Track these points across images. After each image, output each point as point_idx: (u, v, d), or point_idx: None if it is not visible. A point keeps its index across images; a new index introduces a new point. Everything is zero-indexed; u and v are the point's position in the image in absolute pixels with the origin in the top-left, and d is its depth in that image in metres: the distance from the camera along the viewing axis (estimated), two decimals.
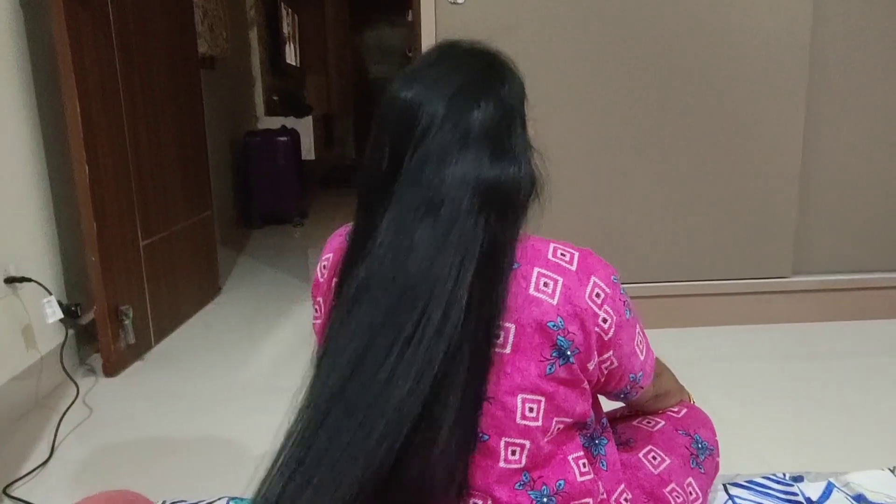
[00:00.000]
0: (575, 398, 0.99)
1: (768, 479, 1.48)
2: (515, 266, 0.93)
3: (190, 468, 1.72)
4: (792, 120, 2.48)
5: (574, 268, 0.97)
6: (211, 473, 1.68)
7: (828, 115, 2.53)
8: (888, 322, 2.61)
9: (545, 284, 0.95)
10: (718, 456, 1.30)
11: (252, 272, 3.66)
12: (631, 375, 1.05)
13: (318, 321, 1.06)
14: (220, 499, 1.49)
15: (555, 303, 0.94)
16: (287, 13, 5.98)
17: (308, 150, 5.19)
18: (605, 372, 1.01)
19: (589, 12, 2.39)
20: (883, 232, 2.63)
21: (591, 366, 0.98)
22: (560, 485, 1.01)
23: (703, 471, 1.25)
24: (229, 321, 2.87)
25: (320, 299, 1.07)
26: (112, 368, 2.29)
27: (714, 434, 1.31)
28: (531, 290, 0.94)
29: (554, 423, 0.98)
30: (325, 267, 1.07)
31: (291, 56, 6.20)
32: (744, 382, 2.12)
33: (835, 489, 1.44)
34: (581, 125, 2.42)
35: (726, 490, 1.45)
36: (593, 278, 0.97)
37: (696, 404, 1.41)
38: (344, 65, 7.93)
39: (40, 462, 1.74)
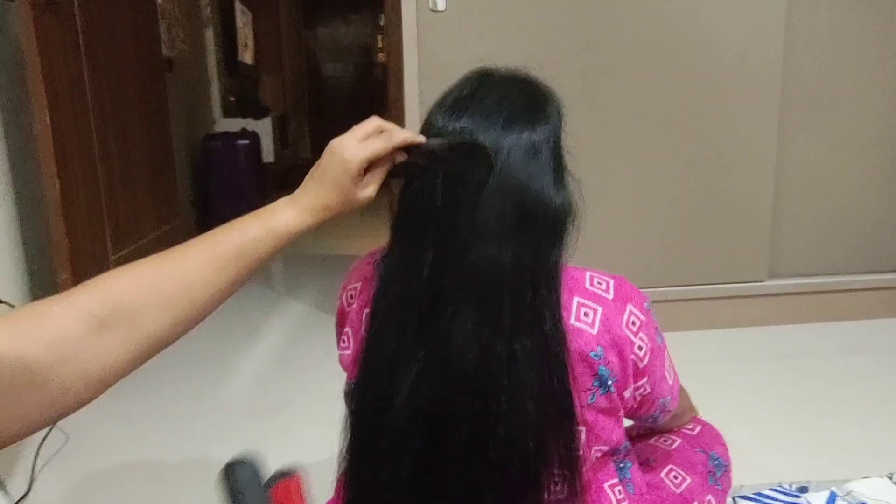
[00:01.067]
0: (612, 426, 0.98)
1: (774, 490, 1.50)
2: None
3: (175, 494, 1.66)
4: (765, 126, 2.53)
5: (611, 296, 0.96)
6: (197, 499, 1.63)
7: (801, 121, 2.59)
8: (862, 323, 2.69)
9: (585, 314, 0.94)
10: (731, 472, 1.32)
11: None
12: (661, 400, 1.05)
13: (347, 352, 1.03)
14: None
15: (595, 332, 0.93)
16: (243, 11, 5.85)
17: (268, 153, 5.09)
18: (639, 398, 1.01)
19: (570, 20, 2.39)
20: (856, 235, 2.71)
21: (627, 393, 0.98)
22: None
23: (720, 487, 1.26)
24: (201, 335, 2.79)
25: (349, 329, 1.03)
26: None
27: (727, 450, 1.33)
28: (572, 321, 0.93)
29: (593, 452, 0.98)
30: (352, 296, 1.04)
31: (246, 55, 6.07)
32: (723, 387, 2.16)
33: (838, 498, 1.47)
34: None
35: (735, 503, 1.47)
36: (629, 306, 0.96)
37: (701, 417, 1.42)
38: (298, 63, 7.80)
39: (19, 496, 1.66)
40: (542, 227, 0.87)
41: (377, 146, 0.85)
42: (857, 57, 2.57)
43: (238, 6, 5.74)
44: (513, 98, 0.89)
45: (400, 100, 2.45)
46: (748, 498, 1.48)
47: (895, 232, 2.74)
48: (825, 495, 1.48)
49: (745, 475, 1.57)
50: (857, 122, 2.62)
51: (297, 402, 2.12)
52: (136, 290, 0.78)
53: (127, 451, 1.87)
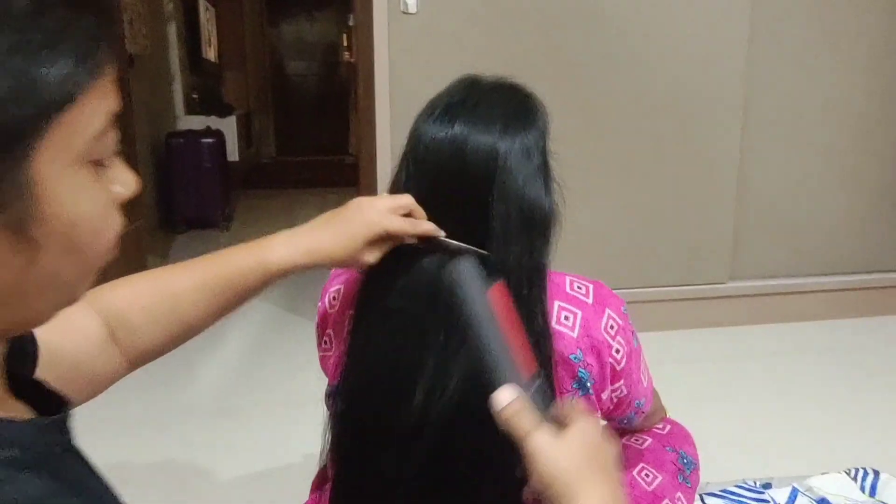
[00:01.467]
0: None
1: (740, 486, 1.55)
2: None
3: (141, 495, 1.64)
4: (729, 132, 2.60)
5: (591, 301, 0.98)
6: (163, 500, 1.61)
7: (763, 128, 2.66)
8: (821, 324, 2.77)
9: (566, 318, 0.96)
10: (699, 469, 1.36)
11: None
12: (636, 402, 1.08)
13: (329, 354, 1.03)
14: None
15: (575, 335, 0.95)
16: (206, 7, 5.77)
17: (233, 151, 5.03)
18: (616, 400, 1.04)
19: (539, 26, 2.42)
20: (815, 238, 2.80)
21: (604, 395, 1.00)
22: None
23: (689, 485, 1.30)
24: None
25: (330, 332, 1.04)
26: None
27: (696, 448, 1.36)
28: (553, 324, 0.95)
29: None
30: (335, 298, 1.04)
31: (210, 52, 5.99)
32: (687, 387, 2.21)
33: (799, 493, 1.52)
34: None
35: (702, 500, 1.51)
36: (608, 310, 0.99)
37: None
38: (262, 61, 7.72)
39: None
40: (537, 229, 0.89)
41: (404, 226, 0.87)
42: (819, 65, 2.64)
43: (201, 2, 5.66)
44: (504, 104, 0.91)
45: (370, 101, 2.45)
46: (715, 495, 1.53)
47: (852, 235, 2.83)
48: (787, 491, 1.53)
49: (710, 473, 1.62)
50: (818, 129, 2.71)
51: (263, 403, 2.11)
52: (136, 306, 0.82)
53: (92, 454, 1.84)
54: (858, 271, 2.85)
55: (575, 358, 0.95)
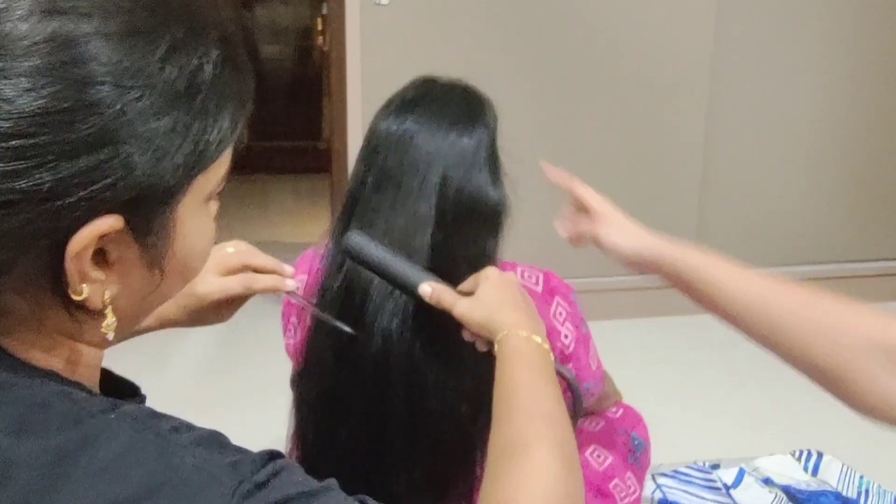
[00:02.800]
0: None
1: (690, 468, 1.63)
2: None
3: None
4: (693, 124, 2.66)
5: (540, 289, 1.04)
6: None
7: (728, 120, 2.72)
8: None
9: None
10: (650, 451, 1.42)
11: None
12: (585, 385, 1.13)
13: (293, 341, 1.08)
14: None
15: None
16: None
17: None
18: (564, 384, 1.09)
19: (509, 18, 2.46)
20: (778, 229, 2.87)
21: None
22: None
23: (639, 465, 1.37)
24: None
25: (294, 320, 1.08)
26: None
27: (647, 431, 1.43)
28: None
29: None
30: (299, 288, 1.09)
31: None
32: (646, 374, 2.28)
33: (746, 474, 1.60)
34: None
35: (654, 480, 1.59)
36: (557, 298, 1.05)
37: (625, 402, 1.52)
38: None
39: None
40: (480, 220, 0.95)
41: (236, 290, 0.83)
42: (784, 58, 2.71)
43: None
44: (453, 104, 0.97)
45: (342, 90, 2.48)
46: (666, 475, 1.60)
47: (815, 226, 2.90)
48: (735, 471, 1.61)
49: (664, 455, 1.69)
50: (783, 120, 2.77)
51: (238, 392, 2.14)
52: None
53: None
54: (821, 261, 2.93)
55: None
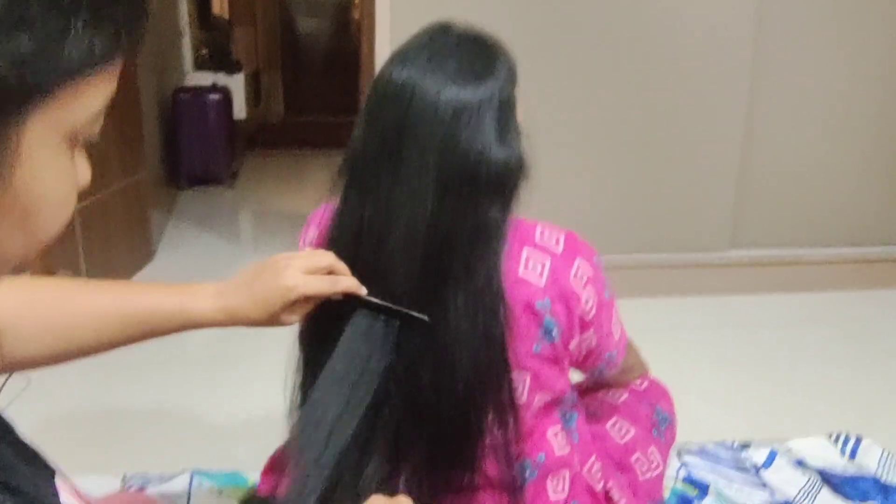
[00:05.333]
0: (556, 375, 1.01)
1: (719, 446, 1.56)
2: (506, 247, 0.94)
3: (144, 440, 1.68)
4: (735, 97, 2.56)
5: (560, 250, 0.99)
6: (167, 445, 1.64)
7: (771, 94, 2.61)
8: (819, 295, 2.75)
9: (533, 266, 0.96)
10: (676, 426, 1.36)
11: (184, 236, 3.54)
12: (607, 354, 1.08)
13: None
14: (183, 472, 1.46)
15: (542, 284, 0.96)
16: None
17: (240, 109, 5.02)
18: (585, 350, 1.04)
19: None
20: (817, 209, 2.76)
21: (572, 345, 1.01)
22: (541, 458, 1.04)
23: (663, 440, 1.31)
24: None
25: None
26: None
27: (672, 405, 1.37)
28: (520, 271, 0.95)
29: (537, 399, 1.01)
30: (308, 244, 1.06)
31: (220, 7, 5.95)
32: (679, 352, 2.21)
33: (778, 455, 1.53)
34: (527, 99, 2.42)
35: (679, 457, 1.53)
36: (578, 260, 0.99)
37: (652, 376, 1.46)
38: (272, 18, 7.65)
39: None
40: (482, 184, 0.88)
41: (322, 287, 0.84)
42: (830, 32, 2.59)
43: None
44: (463, 53, 0.90)
45: (371, 62, 2.44)
46: (693, 453, 1.54)
47: (857, 207, 2.79)
48: (766, 452, 1.54)
49: (692, 433, 1.63)
50: (827, 98, 2.65)
51: (258, 353, 2.13)
52: (32, 316, 0.79)
53: (86, 397, 1.88)
54: (862, 243, 2.82)
55: (542, 306, 0.95)
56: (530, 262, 0.96)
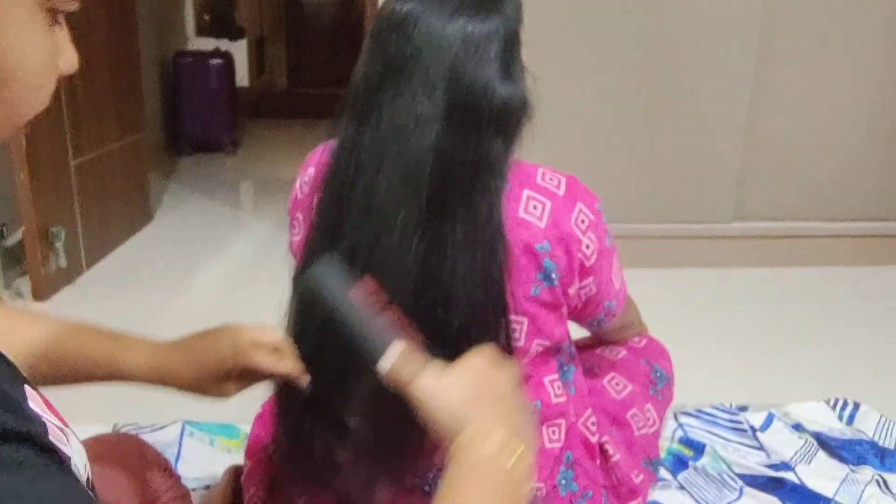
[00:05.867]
0: (554, 322, 1.00)
1: (716, 408, 1.55)
2: (507, 187, 0.92)
3: (137, 392, 1.66)
4: (741, 68, 2.53)
5: (562, 193, 0.97)
6: (160, 397, 1.63)
7: (777, 66, 2.58)
8: (825, 269, 2.73)
9: (534, 207, 0.94)
10: (674, 385, 1.35)
11: (183, 201, 3.52)
12: (606, 303, 1.07)
13: (297, 237, 1.03)
14: (174, 423, 1.45)
15: (542, 226, 0.94)
16: None
17: (242, 77, 4.98)
18: (584, 298, 1.02)
19: None
20: (822, 183, 2.74)
21: (572, 290, 0.99)
22: (536, 405, 1.02)
23: (660, 398, 1.30)
24: (163, 249, 2.77)
25: (300, 215, 1.03)
26: (42, 293, 2.18)
27: (671, 364, 1.36)
28: (520, 213, 0.93)
29: (534, 345, 1.00)
30: (305, 183, 1.04)
31: None
32: (684, 322, 2.20)
33: (775, 418, 1.52)
34: (540, 70, 2.39)
35: (676, 418, 1.52)
36: (579, 204, 0.97)
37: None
38: None
39: None
40: (484, 118, 0.86)
41: (261, 363, 0.82)
42: (835, 6, 2.55)
43: None
44: None
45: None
46: (690, 414, 1.53)
47: (862, 182, 2.77)
48: (763, 415, 1.53)
49: (689, 395, 1.61)
50: (834, 72, 2.62)
51: (258, 314, 2.12)
52: None
53: None
54: (866, 218, 2.80)
55: (541, 248, 0.93)
56: (530, 204, 0.94)
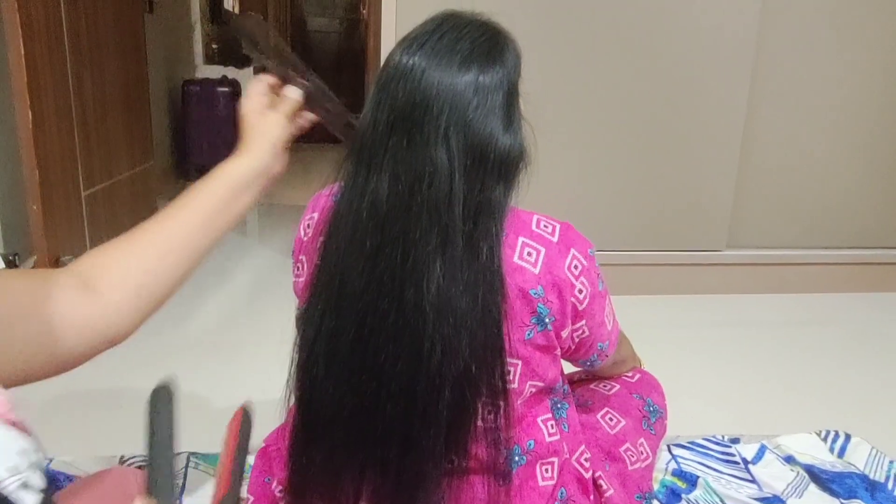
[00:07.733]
0: (548, 364, 1.04)
1: (708, 440, 1.58)
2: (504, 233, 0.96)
3: (134, 422, 1.70)
4: (735, 97, 2.58)
5: (556, 239, 1.01)
6: None
7: (771, 95, 2.63)
8: (817, 296, 2.77)
9: (528, 254, 0.99)
10: (667, 419, 1.39)
11: None
12: (599, 344, 1.11)
13: (301, 279, 1.07)
14: (179, 454, 1.49)
15: (537, 272, 0.98)
16: None
17: None
18: (577, 340, 1.06)
19: None
20: (814, 211, 2.79)
21: (564, 333, 1.03)
22: (530, 444, 1.06)
23: (653, 432, 1.34)
24: None
25: (303, 258, 1.08)
26: None
27: (664, 398, 1.40)
28: (515, 258, 0.97)
29: (528, 386, 1.03)
30: (309, 226, 1.08)
31: (231, 3, 5.98)
32: (674, 349, 2.23)
33: (767, 451, 1.55)
34: (529, 94, 2.44)
35: (670, 450, 1.55)
36: (573, 250, 1.01)
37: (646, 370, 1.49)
38: (283, 15, 7.69)
39: None
40: (489, 165, 0.91)
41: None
42: (831, 34, 2.61)
43: None
44: (471, 40, 0.92)
45: (377, 54, 2.46)
46: (682, 446, 1.56)
47: (853, 210, 2.81)
48: (755, 447, 1.56)
49: (682, 427, 1.65)
50: (827, 100, 2.67)
51: (261, 342, 2.17)
52: (125, 257, 0.83)
53: (86, 379, 1.91)
54: (859, 246, 2.84)
55: (535, 293, 0.98)
56: (525, 250, 0.98)
